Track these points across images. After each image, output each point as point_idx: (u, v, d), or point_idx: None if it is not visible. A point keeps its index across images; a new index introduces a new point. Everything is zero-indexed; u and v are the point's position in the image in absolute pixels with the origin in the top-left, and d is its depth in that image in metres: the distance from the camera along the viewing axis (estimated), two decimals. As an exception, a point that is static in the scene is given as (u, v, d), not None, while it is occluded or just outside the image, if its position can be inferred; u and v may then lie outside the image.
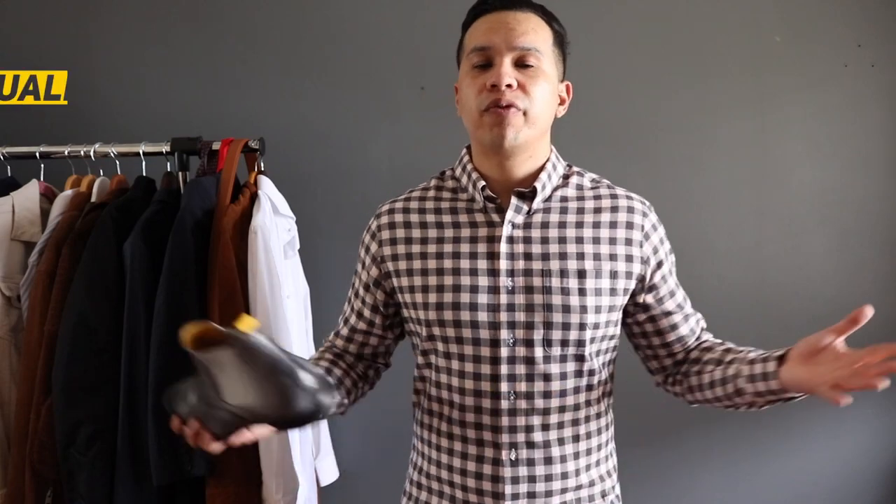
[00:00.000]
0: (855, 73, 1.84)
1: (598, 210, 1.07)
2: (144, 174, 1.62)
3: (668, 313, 1.10)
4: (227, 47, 1.95)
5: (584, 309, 1.01)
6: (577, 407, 1.04)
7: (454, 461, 1.06)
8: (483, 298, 1.02)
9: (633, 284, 1.06)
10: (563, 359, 1.02)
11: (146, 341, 1.42)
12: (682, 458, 1.94)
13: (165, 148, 1.62)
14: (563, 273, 1.02)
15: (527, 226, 1.05)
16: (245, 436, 0.92)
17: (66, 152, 1.67)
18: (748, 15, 1.86)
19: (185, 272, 1.45)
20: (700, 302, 1.17)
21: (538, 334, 1.01)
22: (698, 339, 1.13)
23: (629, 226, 1.06)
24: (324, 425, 1.82)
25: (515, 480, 1.02)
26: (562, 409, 1.03)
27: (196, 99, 1.95)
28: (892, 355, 0.81)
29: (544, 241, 1.04)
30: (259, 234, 1.50)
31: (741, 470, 1.94)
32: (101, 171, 1.67)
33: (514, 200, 1.04)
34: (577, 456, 1.05)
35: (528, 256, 1.03)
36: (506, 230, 1.04)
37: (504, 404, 1.02)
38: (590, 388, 1.05)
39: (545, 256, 1.03)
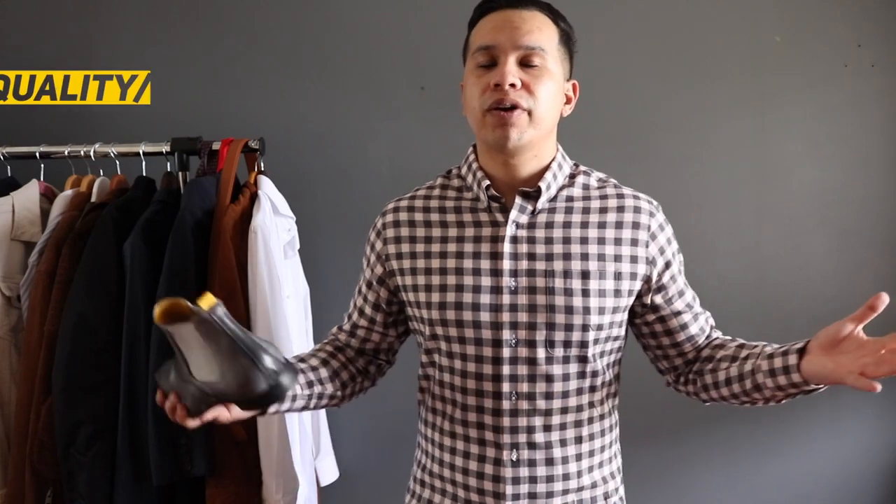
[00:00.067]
0: (855, 73, 1.84)
1: (603, 210, 1.06)
2: (144, 174, 1.62)
3: (678, 313, 1.09)
4: (227, 47, 1.95)
5: (587, 310, 1.01)
6: (579, 408, 1.04)
7: (457, 460, 1.06)
8: (486, 298, 1.02)
9: (638, 286, 1.06)
10: (566, 360, 1.02)
11: (146, 341, 1.42)
12: (682, 458, 1.94)
13: (165, 148, 1.62)
14: (567, 274, 1.01)
15: (531, 226, 1.04)
16: (222, 415, 0.95)
17: (66, 152, 1.67)
18: (748, 15, 1.85)
19: (185, 272, 1.45)
20: (700, 302, 1.17)
21: (541, 335, 1.01)
22: (708, 337, 1.12)
23: (635, 226, 1.05)
24: (324, 425, 1.82)
25: (517, 481, 1.02)
26: (564, 411, 1.03)
27: (196, 99, 1.95)
28: None
29: (548, 241, 1.03)
30: (259, 234, 1.50)
31: (741, 470, 1.94)
32: (101, 171, 1.66)
33: (518, 200, 1.04)
34: (579, 457, 1.05)
35: (531, 257, 1.03)
36: (509, 230, 1.04)
37: (506, 405, 1.02)
38: (593, 389, 1.05)
39: (549, 257, 1.02)
